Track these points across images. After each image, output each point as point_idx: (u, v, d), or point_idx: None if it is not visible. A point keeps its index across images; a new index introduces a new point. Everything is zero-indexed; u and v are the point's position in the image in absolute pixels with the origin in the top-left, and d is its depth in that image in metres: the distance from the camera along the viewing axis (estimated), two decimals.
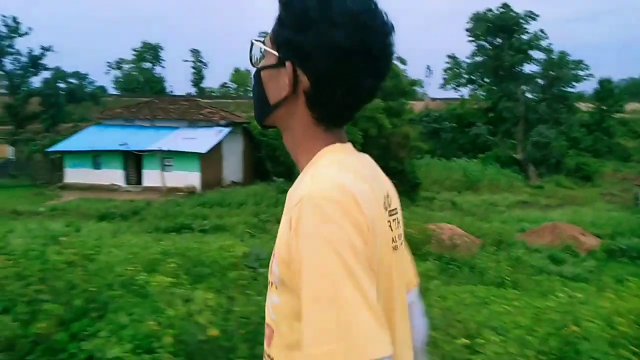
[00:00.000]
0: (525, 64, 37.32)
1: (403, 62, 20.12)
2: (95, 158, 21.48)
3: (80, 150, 21.22)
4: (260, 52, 0.87)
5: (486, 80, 41.84)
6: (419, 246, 10.51)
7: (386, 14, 0.81)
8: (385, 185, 0.89)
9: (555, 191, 30.40)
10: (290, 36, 0.80)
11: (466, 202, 24.62)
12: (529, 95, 37.52)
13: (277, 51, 0.82)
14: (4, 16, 33.67)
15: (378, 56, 0.80)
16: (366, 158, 0.89)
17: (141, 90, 53.26)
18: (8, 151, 25.39)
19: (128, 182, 21.46)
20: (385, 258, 0.79)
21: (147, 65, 59.33)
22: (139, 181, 21.33)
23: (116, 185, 20.89)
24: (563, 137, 35.75)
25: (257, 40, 0.88)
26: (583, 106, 39.84)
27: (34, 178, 22.32)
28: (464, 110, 42.99)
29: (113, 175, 21.09)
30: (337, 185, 0.73)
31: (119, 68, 59.87)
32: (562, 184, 32.33)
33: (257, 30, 38.02)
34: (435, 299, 4.94)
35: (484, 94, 41.81)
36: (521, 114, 35.00)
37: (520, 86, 36.32)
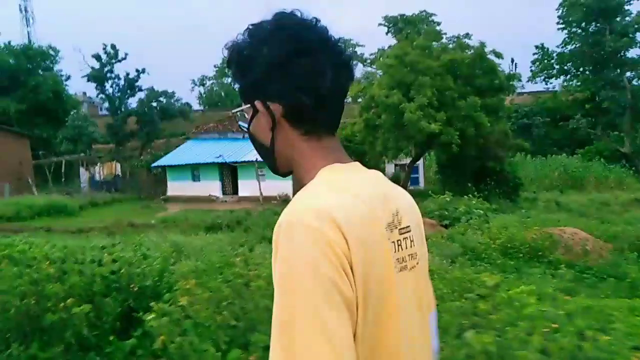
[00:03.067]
0: (629, 49, 33.92)
1: (499, 55, 18.86)
2: (194, 171, 22.58)
3: (180, 164, 22.45)
4: (242, 115, 0.93)
5: (582, 69, 38.71)
6: (545, 253, 9.61)
7: (301, 12, 0.85)
8: (396, 203, 0.87)
9: None
10: (246, 82, 0.87)
11: (572, 202, 22.61)
12: (636, 83, 34.03)
13: (248, 102, 0.88)
14: (104, 44, 36.75)
15: (319, 46, 0.83)
16: (371, 175, 0.88)
17: (223, 104, 55.76)
18: (116, 168, 27.54)
19: (224, 192, 22.29)
20: (382, 280, 0.76)
21: (227, 80, 62.04)
22: (235, 191, 22.08)
23: (214, 196, 21.77)
24: None
25: (235, 110, 0.95)
26: None
27: (139, 192, 23.91)
28: (556, 103, 40.09)
29: (211, 187, 22.02)
30: (315, 208, 0.73)
31: (202, 84, 63.03)
32: None
33: None
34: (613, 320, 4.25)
35: (579, 84, 38.66)
36: (628, 103, 31.80)
37: (625, 73, 33.05)
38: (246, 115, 0.91)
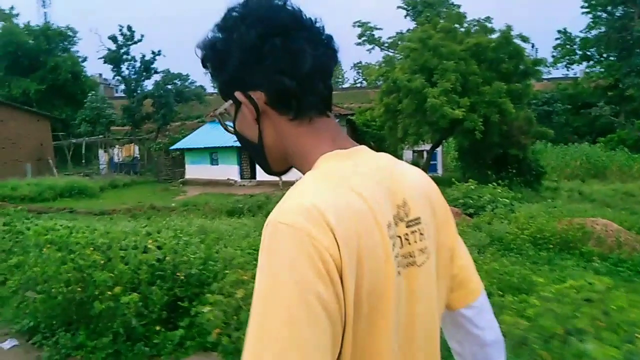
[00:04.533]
0: None
1: (525, 39, 18.29)
2: (212, 154, 22.49)
3: (198, 147, 22.39)
4: (227, 115, 0.86)
5: (605, 55, 37.71)
6: (576, 245, 9.38)
7: None
8: (404, 192, 0.79)
9: None
10: (224, 78, 0.81)
11: (595, 191, 22.14)
12: None
13: (230, 99, 0.82)
14: (120, 26, 36.58)
15: (292, 25, 0.78)
16: (378, 161, 0.80)
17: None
18: (134, 150, 27.59)
19: (243, 176, 22.20)
20: (378, 283, 0.70)
21: None
22: (253, 176, 21.97)
23: (232, 180, 21.70)
24: None
25: (217, 110, 0.87)
26: None
27: (158, 174, 23.95)
28: (577, 90, 39.24)
29: (229, 171, 21.93)
30: (304, 206, 0.67)
31: None
32: None
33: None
34: None
35: (603, 70, 37.69)
36: None
37: None
38: (230, 114, 0.85)
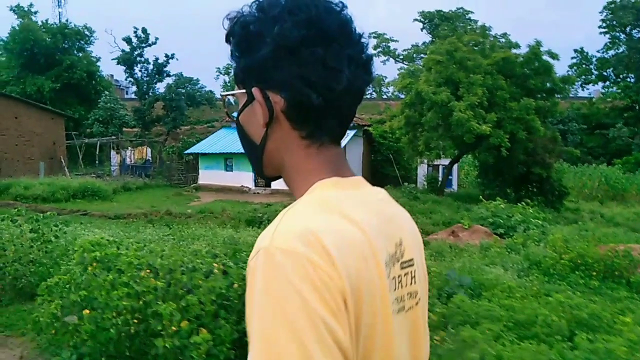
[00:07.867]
0: None
1: (554, 56, 17.90)
2: (227, 160, 22.09)
3: (213, 153, 21.99)
4: (233, 100, 0.82)
5: (622, 75, 37.42)
6: (622, 273, 8.86)
7: None
8: (400, 230, 0.76)
9: None
10: (246, 63, 0.74)
11: (617, 214, 21.62)
12: None
13: (243, 87, 0.75)
14: (135, 28, 36.50)
15: (338, 37, 0.71)
16: (375, 195, 0.77)
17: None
18: (147, 152, 27.25)
19: (257, 184, 21.75)
20: (375, 327, 0.65)
21: None
22: (267, 184, 21.55)
23: (246, 187, 21.25)
24: None
25: (226, 93, 0.83)
26: None
27: (170, 178, 23.56)
28: (592, 110, 38.85)
29: (243, 178, 21.50)
30: (303, 232, 0.61)
31: (227, 73, 62.68)
32: None
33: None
34: None
35: (620, 91, 37.36)
36: None
37: None
38: (238, 102, 0.77)
